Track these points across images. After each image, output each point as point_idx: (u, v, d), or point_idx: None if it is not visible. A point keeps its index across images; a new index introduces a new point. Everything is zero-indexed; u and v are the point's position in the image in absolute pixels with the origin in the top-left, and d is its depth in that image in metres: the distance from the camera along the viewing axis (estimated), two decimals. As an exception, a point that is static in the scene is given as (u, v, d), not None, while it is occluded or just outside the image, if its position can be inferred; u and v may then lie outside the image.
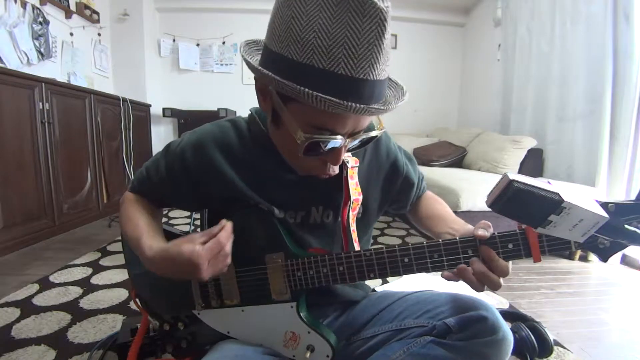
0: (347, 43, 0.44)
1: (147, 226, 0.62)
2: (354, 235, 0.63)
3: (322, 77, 0.45)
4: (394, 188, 0.74)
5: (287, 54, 0.47)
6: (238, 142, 0.65)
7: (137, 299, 0.80)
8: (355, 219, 0.66)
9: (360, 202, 0.66)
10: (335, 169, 0.58)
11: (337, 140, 0.51)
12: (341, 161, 0.54)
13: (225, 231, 0.54)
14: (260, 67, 0.50)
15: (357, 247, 0.64)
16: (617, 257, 1.94)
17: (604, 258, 0.50)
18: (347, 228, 0.64)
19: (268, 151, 0.63)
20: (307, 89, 0.45)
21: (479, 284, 0.52)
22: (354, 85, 0.46)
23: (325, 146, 0.52)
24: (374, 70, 0.46)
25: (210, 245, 0.52)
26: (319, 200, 0.67)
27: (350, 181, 0.64)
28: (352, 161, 0.65)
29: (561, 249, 0.50)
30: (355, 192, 0.65)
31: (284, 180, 0.65)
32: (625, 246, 0.48)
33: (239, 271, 0.63)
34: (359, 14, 0.44)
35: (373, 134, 0.55)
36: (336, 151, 0.53)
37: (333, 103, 0.45)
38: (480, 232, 0.53)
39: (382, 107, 0.49)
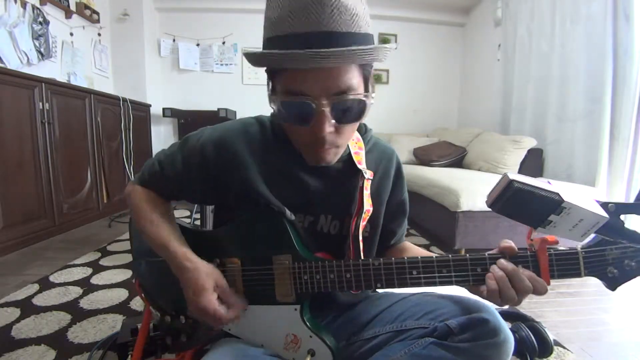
0: (290, 5, 0.48)
1: (172, 231, 0.65)
2: (361, 245, 0.63)
3: (278, 42, 0.50)
4: (390, 208, 0.74)
5: (264, 36, 0.53)
6: (260, 138, 0.66)
7: (140, 289, 0.80)
8: (363, 231, 0.65)
9: (370, 214, 0.66)
10: (331, 141, 0.55)
11: (309, 102, 0.51)
12: (325, 130, 0.52)
13: (236, 317, 0.60)
14: (245, 50, 0.54)
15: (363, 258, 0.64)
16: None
17: (612, 287, 0.49)
18: (355, 237, 0.63)
19: (287, 148, 0.64)
20: (260, 51, 0.50)
21: (497, 296, 0.51)
22: (299, 39, 0.48)
23: (300, 109, 0.52)
24: (322, 21, 0.47)
25: (221, 314, 0.58)
26: (329, 209, 0.67)
27: (364, 192, 0.64)
28: (368, 174, 0.66)
29: (570, 274, 0.50)
30: (367, 203, 0.65)
31: (300, 182, 0.65)
32: (635, 276, 0.48)
33: (245, 269, 0.63)
34: None
35: (353, 97, 0.52)
36: (316, 117, 0.52)
37: (275, 55, 0.48)
38: (507, 243, 0.52)
39: (333, 50, 0.46)
